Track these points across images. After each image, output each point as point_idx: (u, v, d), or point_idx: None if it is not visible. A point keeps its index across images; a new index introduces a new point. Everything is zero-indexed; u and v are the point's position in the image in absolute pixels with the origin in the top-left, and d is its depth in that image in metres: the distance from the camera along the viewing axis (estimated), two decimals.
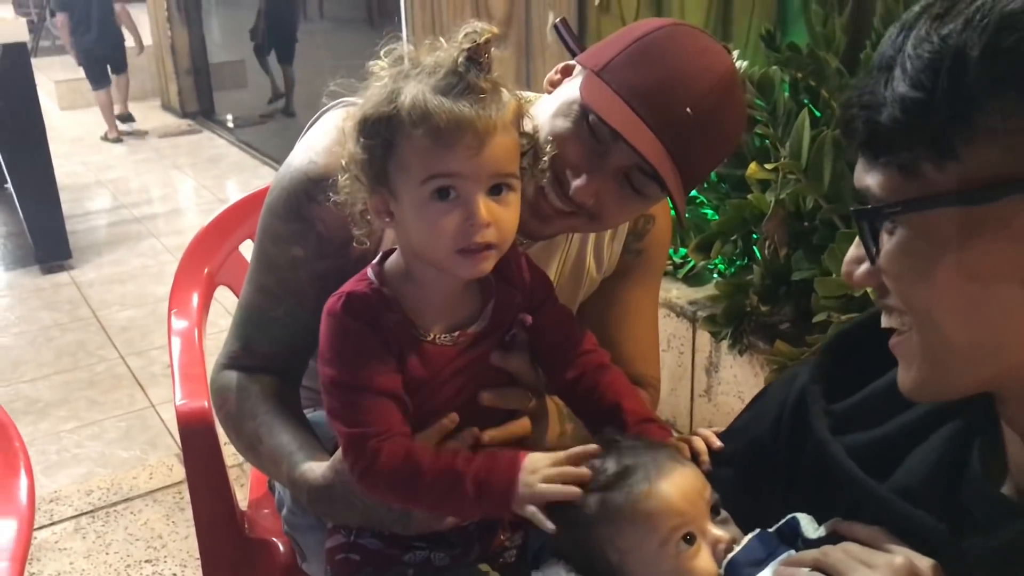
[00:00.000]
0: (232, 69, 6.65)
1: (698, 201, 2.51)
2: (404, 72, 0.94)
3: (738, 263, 2.42)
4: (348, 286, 1.00)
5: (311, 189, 1.11)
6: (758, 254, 2.25)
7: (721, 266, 2.47)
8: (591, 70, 1.06)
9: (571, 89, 1.07)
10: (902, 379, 0.71)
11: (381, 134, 0.92)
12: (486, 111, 0.91)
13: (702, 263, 2.43)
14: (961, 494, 0.73)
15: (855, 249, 0.73)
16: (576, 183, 1.05)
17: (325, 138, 1.13)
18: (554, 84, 1.14)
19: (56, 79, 7.06)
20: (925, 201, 0.63)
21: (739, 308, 2.23)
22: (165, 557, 2.20)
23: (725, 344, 2.28)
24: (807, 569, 0.74)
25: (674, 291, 2.48)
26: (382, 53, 0.97)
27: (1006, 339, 0.63)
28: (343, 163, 0.98)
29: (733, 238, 2.29)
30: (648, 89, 1.02)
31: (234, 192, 4.99)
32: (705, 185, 2.44)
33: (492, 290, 1.02)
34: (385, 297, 0.98)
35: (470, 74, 0.92)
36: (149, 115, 6.70)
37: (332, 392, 0.99)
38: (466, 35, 0.93)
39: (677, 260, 2.54)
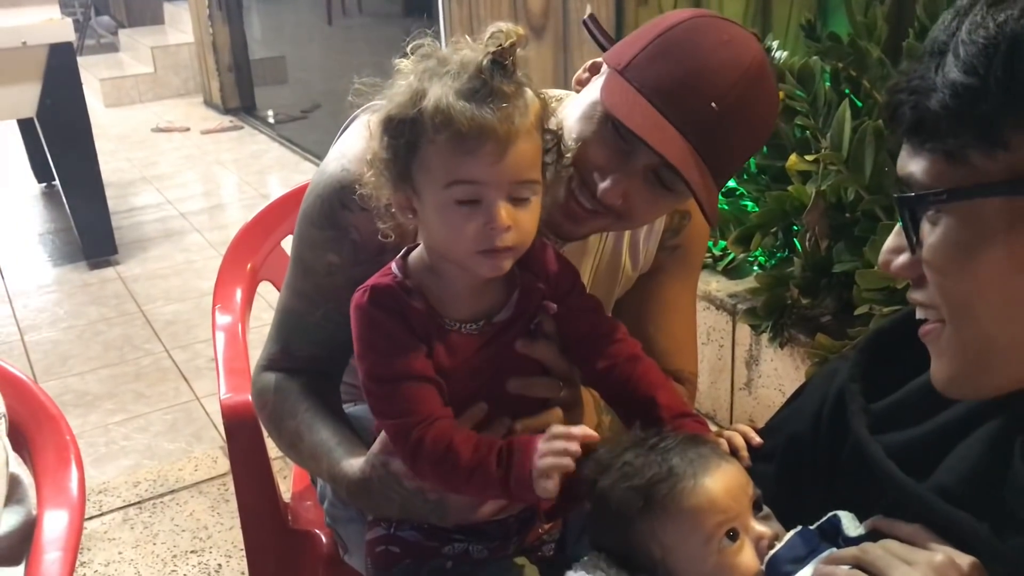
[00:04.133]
0: (273, 65, 6.70)
1: (738, 193, 2.49)
2: (430, 71, 0.94)
3: (779, 255, 2.40)
4: (372, 280, 1.02)
5: (345, 197, 1.12)
6: (799, 246, 2.23)
7: (761, 258, 2.45)
8: (614, 69, 1.05)
9: (595, 89, 1.07)
10: (935, 373, 0.70)
11: (405, 135, 0.93)
12: (509, 118, 0.92)
13: (742, 255, 2.41)
14: (1003, 494, 0.72)
15: (894, 238, 0.71)
16: (603, 185, 1.05)
17: (357, 144, 1.14)
18: (582, 83, 1.13)
19: (101, 77, 7.16)
20: (972, 189, 0.61)
21: (779, 301, 2.22)
22: (210, 548, 2.24)
23: (765, 337, 2.27)
24: (847, 567, 0.74)
25: (714, 284, 2.47)
26: (409, 49, 0.97)
27: None
28: (368, 158, 0.99)
29: (773, 230, 2.27)
30: (671, 86, 1.01)
31: (276, 188, 5.03)
32: (745, 176, 2.42)
33: (516, 280, 1.03)
34: (409, 288, 1.00)
35: (495, 79, 0.92)
36: (191, 112, 6.78)
37: (371, 386, 1.00)
38: (492, 36, 0.93)
39: (717, 252, 2.53)
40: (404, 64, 0.97)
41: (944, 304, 0.67)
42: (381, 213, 1.01)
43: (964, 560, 0.70)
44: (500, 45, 0.93)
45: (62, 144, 3.90)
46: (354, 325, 1.01)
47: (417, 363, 0.98)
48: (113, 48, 8.42)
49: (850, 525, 0.80)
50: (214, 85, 6.73)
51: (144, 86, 7.29)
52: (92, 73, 7.20)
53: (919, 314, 0.71)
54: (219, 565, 2.18)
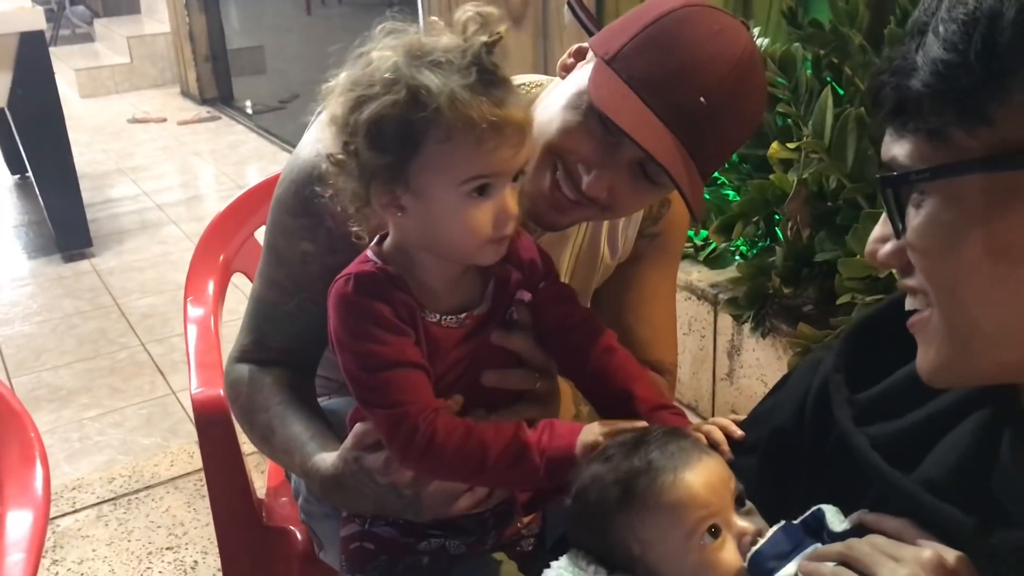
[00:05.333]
0: (250, 55, 6.63)
1: (719, 182, 2.47)
2: (414, 62, 0.89)
3: (760, 245, 2.39)
4: (352, 268, 0.99)
5: (320, 183, 1.08)
6: (780, 235, 2.22)
7: (743, 248, 2.44)
8: (601, 58, 1.03)
9: (582, 77, 1.04)
10: (921, 361, 0.69)
11: (404, 136, 0.89)
12: (521, 107, 0.91)
13: (723, 245, 2.39)
14: (991, 487, 0.70)
15: (880, 228, 0.70)
16: (588, 178, 1.03)
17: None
18: (567, 68, 1.11)
19: (76, 67, 7.07)
20: (955, 167, 0.60)
21: (761, 290, 2.21)
22: (186, 544, 2.20)
23: (747, 327, 2.26)
24: (832, 563, 0.72)
25: (695, 274, 2.45)
26: (377, 31, 0.93)
27: None
28: (335, 158, 0.95)
29: (755, 219, 2.26)
30: (659, 79, 0.99)
31: (254, 179, 4.98)
32: (726, 166, 2.40)
33: (491, 269, 1.01)
34: (392, 275, 0.97)
35: (498, 69, 0.90)
36: (168, 102, 6.71)
37: (360, 376, 0.96)
38: (480, 25, 0.90)
39: (698, 242, 2.51)
40: (375, 53, 0.92)
41: (931, 288, 0.66)
42: (352, 216, 0.98)
43: (952, 555, 0.68)
44: (490, 33, 0.90)
45: (34, 135, 3.85)
46: (336, 315, 0.97)
47: (408, 349, 0.96)
48: (88, 38, 8.32)
49: (835, 519, 0.78)
50: (191, 75, 6.66)
51: (120, 76, 7.21)
52: (67, 63, 7.12)
53: (909, 304, 0.70)
54: (195, 562, 2.14)
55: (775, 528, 0.80)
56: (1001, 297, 0.61)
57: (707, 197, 2.40)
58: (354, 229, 0.99)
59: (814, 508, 0.80)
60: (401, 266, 0.98)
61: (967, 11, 0.59)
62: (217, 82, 6.62)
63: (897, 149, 0.65)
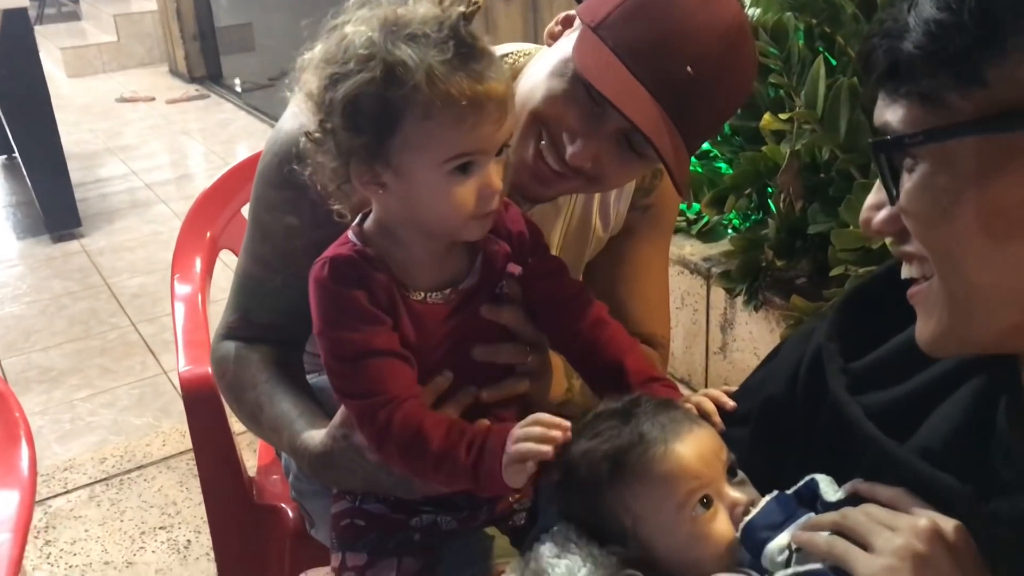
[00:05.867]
0: (239, 33, 6.57)
1: (712, 155, 2.46)
2: (389, 34, 0.87)
3: (753, 218, 2.37)
4: (330, 251, 0.97)
5: (303, 169, 1.07)
6: (773, 208, 2.20)
7: (736, 221, 2.42)
8: (587, 25, 1.01)
9: (567, 45, 1.03)
10: (920, 332, 0.68)
11: (381, 114, 0.87)
12: (502, 82, 0.88)
13: (716, 218, 2.38)
14: (987, 455, 0.69)
15: (874, 195, 0.69)
16: (572, 148, 1.01)
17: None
18: (554, 36, 1.09)
19: (62, 46, 7.00)
20: (949, 130, 0.59)
21: (754, 263, 2.20)
22: (179, 523, 2.20)
23: (740, 300, 2.25)
24: (826, 533, 0.71)
25: (688, 247, 2.44)
26: (351, 3, 0.91)
27: None
28: (312, 136, 0.92)
29: (748, 192, 2.24)
30: (645, 48, 0.97)
31: (243, 157, 4.92)
32: (719, 138, 2.39)
33: (479, 243, 0.99)
34: (370, 257, 0.95)
35: (475, 40, 0.87)
36: (156, 81, 6.65)
37: (333, 364, 0.96)
38: None
39: (691, 216, 2.50)
40: (349, 27, 0.89)
41: (928, 253, 0.65)
42: (331, 193, 0.96)
43: (948, 524, 0.67)
44: (468, 3, 0.88)
45: (20, 115, 3.81)
46: (313, 300, 0.96)
47: (382, 338, 0.94)
48: (74, 16, 8.25)
49: (828, 489, 0.77)
50: (179, 53, 6.61)
51: (107, 55, 7.14)
52: (53, 42, 7.05)
53: (905, 273, 0.69)
54: (188, 541, 2.14)
55: (768, 498, 0.79)
56: (997, 260, 0.60)
57: (699, 170, 2.39)
58: (335, 207, 0.97)
59: (807, 478, 0.79)
60: (383, 244, 0.97)
61: None
62: (205, 60, 6.56)
63: (889, 114, 0.64)
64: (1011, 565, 0.65)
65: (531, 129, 1.03)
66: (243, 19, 6.62)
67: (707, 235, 2.45)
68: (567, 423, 0.87)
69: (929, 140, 0.61)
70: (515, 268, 1.01)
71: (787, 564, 0.73)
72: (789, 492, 0.79)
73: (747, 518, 0.78)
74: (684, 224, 2.50)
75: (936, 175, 0.62)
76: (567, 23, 1.08)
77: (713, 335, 2.41)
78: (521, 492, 1.13)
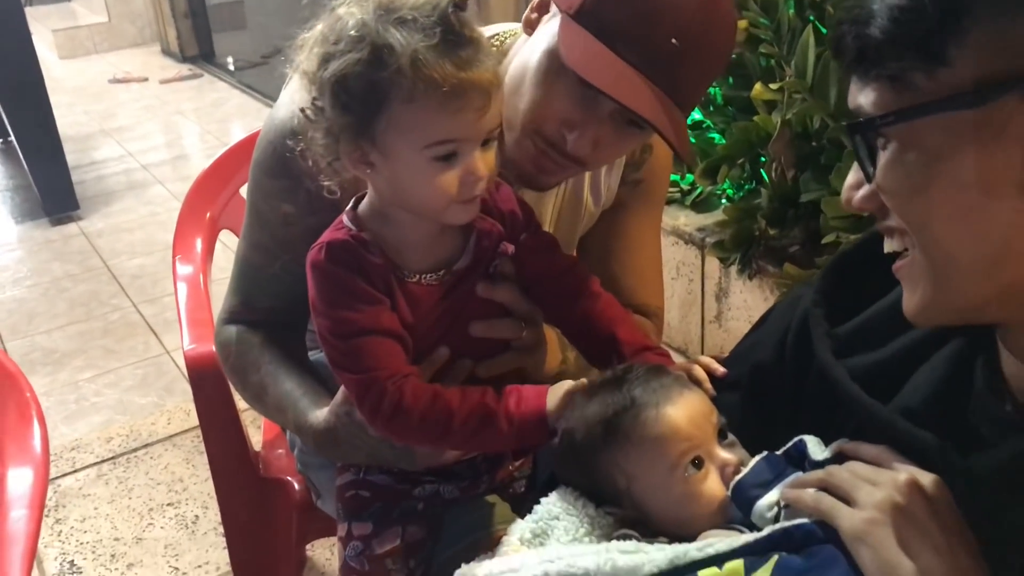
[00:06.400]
0: (230, 10, 6.54)
1: (705, 125, 2.47)
2: (380, 17, 0.88)
3: (747, 187, 2.39)
4: (326, 236, 0.99)
5: (297, 144, 1.08)
6: (766, 177, 2.22)
7: (730, 191, 2.44)
8: (566, 13, 1.01)
9: (547, 35, 1.03)
10: (906, 304, 0.71)
11: (366, 93, 0.88)
12: (488, 70, 0.89)
13: (709, 188, 2.40)
14: (966, 412, 0.72)
15: (853, 174, 0.72)
16: (572, 137, 1.02)
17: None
18: (531, 24, 1.09)
19: (53, 28, 6.96)
20: (917, 110, 0.62)
21: (747, 233, 2.22)
22: (186, 499, 2.23)
23: (734, 269, 2.27)
24: (813, 489, 0.74)
25: (682, 218, 2.46)
26: None
27: (1005, 250, 0.62)
28: (306, 112, 0.94)
29: (740, 162, 2.26)
30: (628, 28, 0.98)
31: (238, 136, 4.85)
32: (711, 108, 2.40)
33: (471, 224, 1.01)
34: (365, 241, 0.97)
35: (461, 25, 0.88)
36: (149, 61, 6.62)
37: (332, 343, 0.98)
38: None
39: (685, 187, 2.52)
40: (343, 8, 0.91)
41: (907, 227, 0.67)
42: (324, 170, 0.97)
43: (927, 478, 0.70)
44: None
45: (14, 99, 3.81)
46: (311, 284, 0.98)
47: (379, 317, 0.96)
48: None
49: (816, 449, 0.80)
50: (171, 33, 6.58)
51: (99, 36, 7.11)
52: (44, 24, 7.01)
53: (887, 247, 0.71)
54: (196, 516, 2.18)
55: (757, 458, 0.82)
56: (972, 230, 0.63)
57: (693, 141, 2.41)
58: (326, 183, 0.99)
59: (796, 439, 0.82)
60: (377, 228, 0.98)
61: None
62: (197, 39, 6.53)
63: (863, 98, 0.66)
64: (989, 516, 0.68)
65: (527, 133, 1.04)
66: None
67: (701, 205, 2.47)
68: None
69: (899, 120, 0.63)
70: (508, 247, 1.03)
71: (776, 520, 0.76)
72: (778, 453, 0.82)
73: (737, 477, 0.81)
74: (678, 195, 2.51)
75: (907, 152, 0.64)
76: (542, 9, 1.08)
77: (708, 304, 2.44)
78: (520, 456, 1.16)
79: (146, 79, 6.19)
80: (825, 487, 0.74)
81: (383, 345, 0.96)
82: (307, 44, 0.93)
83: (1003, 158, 0.59)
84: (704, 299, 2.45)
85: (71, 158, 4.13)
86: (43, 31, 6.86)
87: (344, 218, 1.00)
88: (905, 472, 0.70)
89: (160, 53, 6.82)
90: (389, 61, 0.86)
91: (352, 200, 1.01)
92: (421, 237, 0.99)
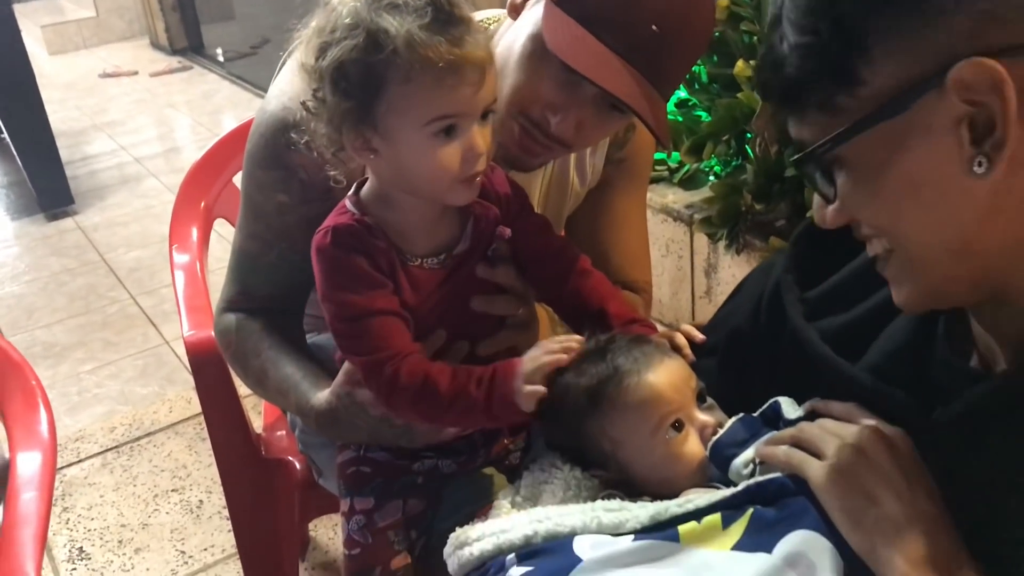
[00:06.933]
0: (218, 2, 6.53)
1: (690, 103, 2.49)
2: (372, 6, 0.91)
3: (734, 163, 2.42)
4: (331, 220, 1.01)
5: (288, 136, 1.10)
6: (751, 153, 2.25)
7: (717, 168, 2.47)
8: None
9: (531, 21, 1.06)
10: (896, 299, 0.74)
11: (365, 79, 0.91)
12: (481, 45, 0.91)
13: (695, 166, 2.43)
14: (929, 368, 0.76)
15: (818, 196, 0.75)
16: (556, 120, 1.05)
17: (296, 82, 1.11)
18: (516, 9, 1.12)
19: (42, 24, 6.95)
20: (849, 130, 0.65)
21: (734, 208, 2.24)
22: (191, 485, 2.27)
23: (722, 245, 2.30)
24: (785, 446, 0.78)
25: (671, 196, 2.49)
26: None
27: (967, 230, 0.65)
28: (307, 105, 0.97)
29: (725, 138, 2.28)
30: (611, 15, 1.00)
31: (230, 127, 4.87)
32: (696, 86, 2.42)
33: (470, 208, 1.03)
34: (369, 225, 0.99)
35: (455, 8, 0.91)
36: (139, 54, 6.62)
37: (339, 326, 1.01)
38: None
39: (672, 164, 2.54)
40: (335, 2, 0.93)
41: (878, 231, 0.71)
42: (328, 159, 1.00)
43: (890, 430, 0.74)
44: None
45: (6, 96, 3.82)
46: (317, 268, 1.01)
47: (384, 299, 0.99)
48: None
49: (790, 409, 0.84)
50: (159, 26, 6.57)
51: (88, 31, 7.10)
52: (32, 20, 7.00)
53: (871, 251, 0.74)
54: (200, 501, 2.22)
55: (734, 420, 0.86)
56: (935, 220, 0.66)
57: (679, 119, 2.44)
58: (332, 173, 1.01)
59: (771, 400, 0.86)
60: (379, 212, 1.01)
61: None
62: (186, 31, 6.53)
63: (800, 130, 0.70)
64: (950, 465, 0.72)
65: (511, 113, 1.07)
66: None
67: (688, 183, 2.50)
68: (577, 337, 0.94)
69: (837, 144, 0.67)
70: (505, 231, 1.05)
71: (751, 476, 0.80)
72: (755, 414, 0.86)
73: (715, 438, 0.85)
74: (666, 173, 2.54)
75: (857, 169, 0.68)
76: None
77: (698, 280, 2.47)
78: (525, 421, 1.19)
79: (136, 73, 6.20)
80: (796, 443, 0.78)
81: (386, 325, 0.99)
82: (304, 38, 0.95)
83: (940, 150, 0.63)
84: (694, 275, 2.48)
85: (64, 153, 4.14)
86: (32, 27, 6.85)
87: (347, 203, 1.02)
88: (869, 427, 0.74)
89: (149, 46, 6.82)
90: (384, 44, 0.89)
91: (354, 186, 1.04)
92: (422, 221, 1.01)
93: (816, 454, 0.75)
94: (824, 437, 0.75)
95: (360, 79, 0.91)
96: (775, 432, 0.82)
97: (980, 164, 0.61)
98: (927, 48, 0.61)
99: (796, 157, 0.70)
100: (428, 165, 0.94)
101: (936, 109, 0.62)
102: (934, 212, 0.66)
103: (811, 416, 0.81)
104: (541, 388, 0.92)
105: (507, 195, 1.06)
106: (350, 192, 1.03)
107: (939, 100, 0.61)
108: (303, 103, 0.97)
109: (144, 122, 5.26)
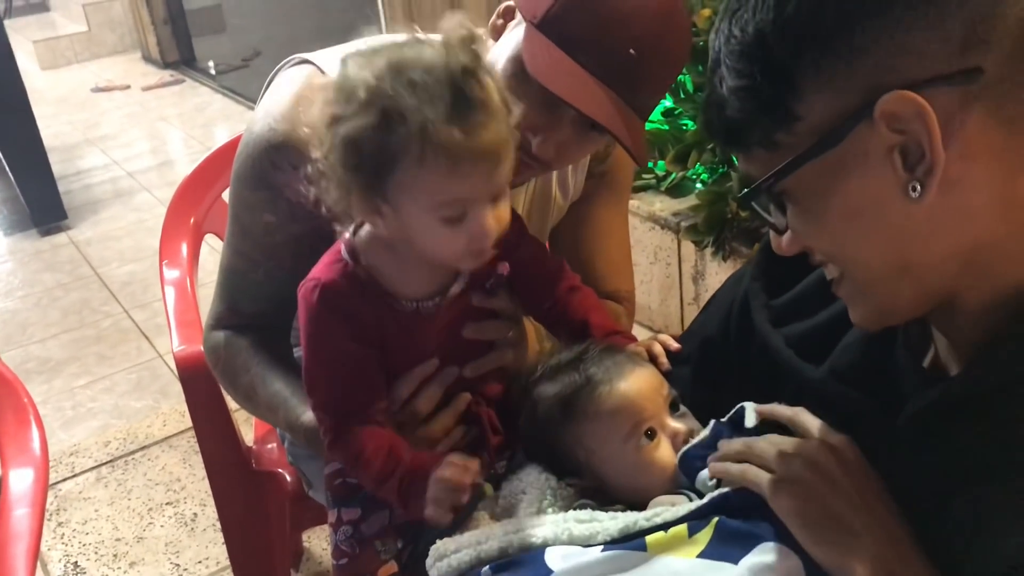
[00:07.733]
0: (209, 14, 6.55)
1: (676, 112, 2.52)
2: (391, 80, 0.87)
3: (719, 171, 2.44)
4: (322, 271, 1.01)
5: (274, 157, 1.11)
6: (736, 161, 2.27)
7: (703, 175, 2.49)
8: (530, 22, 1.05)
9: (512, 43, 1.07)
10: (853, 318, 0.77)
11: (377, 155, 0.89)
12: (498, 133, 0.89)
13: (681, 174, 2.45)
14: (889, 370, 0.79)
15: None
16: (537, 141, 1.06)
17: (282, 103, 1.13)
18: (497, 30, 1.13)
19: (34, 39, 6.97)
20: (791, 164, 0.68)
21: (720, 215, 2.27)
22: (185, 498, 2.29)
23: (709, 252, 2.33)
24: (737, 464, 0.80)
25: (658, 204, 2.52)
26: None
27: (906, 250, 0.68)
28: (319, 167, 0.94)
29: (711, 146, 2.31)
30: (589, 38, 1.02)
31: (223, 140, 4.85)
32: (682, 95, 2.45)
33: None
34: (361, 281, 0.99)
35: (471, 88, 0.87)
36: (130, 68, 6.64)
37: (309, 367, 1.03)
38: (465, 44, 0.89)
39: (659, 173, 2.57)
40: (352, 66, 0.90)
41: (828, 257, 0.74)
42: (337, 215, 0.98)
43: (836, 438, 0.77)
44: (473, 55, 0.89)
45: None
46: (301, 314, 1.02)
47: (359, 358, 1.00)
48: (43, 7, 8.18)
49: (751, 416, 0.86)
50: (151, 39, 6.59)
51: (79, 45, 7.11)
52: (24, 35, 7.01)
53: (828, 275, 0.77)
54: (195, 514, 2.23)
55: (707, 429, 0.88)
56: (877, 243, 0.69)
57: (665, 128, 2.46)
58: (338, 227, 1.01)
59: (738, 406, 0.88)
60: (375, 258, 1.00)
61: (738, 40, 0.68)
62: (178, 44, 6.55)
63: (747, 165, 0.73)
64: (908, 466, 0.75)
65: None
66: (212, 0, 6.60)
67: (675, 190, 2.53)
68: (475, 464, 0.95)
69: (780, 177, 0.70)
70: (504, 267, 1.06)
71: (717, 487, 0.82)
72: (724, 420, 0.89)
73: (684, 448, 0.87)
74: (653, 181, 2.57)
75: (802, 200, 0.71)
76: (507, 15, 1.12)
77: (686, 287, 2.50)
78: (501, 457, 1.20)
79: (128, 86, 6.21)
80: (745, 459, 0.80)
81: (354, 384, 1.01)
82: (320, 97, 0.93)
83: (877, 177, 0.66)
84: (682, 282, 2.50)
85: (57, 168, 4.16)
86: (23, 42, 6.86)
87: (342, 248, 1.01)
88: (816, 437, 0.78)
89: (141, 60, 6.83)
90: (398, 127, 0.86)
91: (353, 227, 1.02)
92: (422, 267, 1.01)
93: (767, 470, 0.77)
94: (771, 452, 0.78)
95: (372, 155, 0.89)
96: (725, 445, 0.83)
97: (915, 189, 0.64)
98: (854, 84, 0.64)
99: (744, 192, 0.74)
100: (436, 242, 0.94)
101: (869, 139, 0.65)
102: (876, 236, 0.69)
103: (768, 423, 0.84)
104: (446, 516, 0.93)
105: (505, 229, 1.05)
106: (347, 234, 1.02)
107: (870, 131, 0.64)
108: (312, 161, 0.95)
109: (136, 136, 5.28)
